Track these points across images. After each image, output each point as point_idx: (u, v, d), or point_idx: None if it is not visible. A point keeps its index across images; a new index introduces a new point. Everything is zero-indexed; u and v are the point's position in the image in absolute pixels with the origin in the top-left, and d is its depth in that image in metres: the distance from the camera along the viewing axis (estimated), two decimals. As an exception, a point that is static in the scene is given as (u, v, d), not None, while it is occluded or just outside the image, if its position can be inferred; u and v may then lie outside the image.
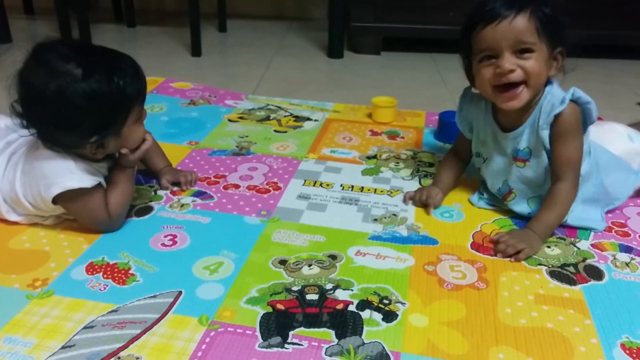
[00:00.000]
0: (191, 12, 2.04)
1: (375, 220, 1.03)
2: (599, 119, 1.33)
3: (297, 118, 1.50)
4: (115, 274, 0.85)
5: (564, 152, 0.95)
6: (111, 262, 0.88)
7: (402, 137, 1.41)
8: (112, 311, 0.77)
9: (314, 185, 1.14)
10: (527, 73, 0.90)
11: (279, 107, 1.58)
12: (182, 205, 1.04)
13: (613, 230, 1.01)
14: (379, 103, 1.49)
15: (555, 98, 0.94)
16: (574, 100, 0.93)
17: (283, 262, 0.89)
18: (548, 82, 0.96)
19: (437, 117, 1.42)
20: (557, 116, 0.93)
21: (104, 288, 0.82)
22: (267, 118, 1.50)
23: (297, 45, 2.37)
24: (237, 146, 1.31)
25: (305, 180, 1.16)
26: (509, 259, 0.91)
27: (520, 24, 0.88)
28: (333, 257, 0.91)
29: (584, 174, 0.98)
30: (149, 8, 2.95)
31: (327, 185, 1.15)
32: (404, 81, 1.92)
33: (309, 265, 0.88)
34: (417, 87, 1.85)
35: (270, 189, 1.12)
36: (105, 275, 0.84)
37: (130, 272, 0.85)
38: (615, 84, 1.90)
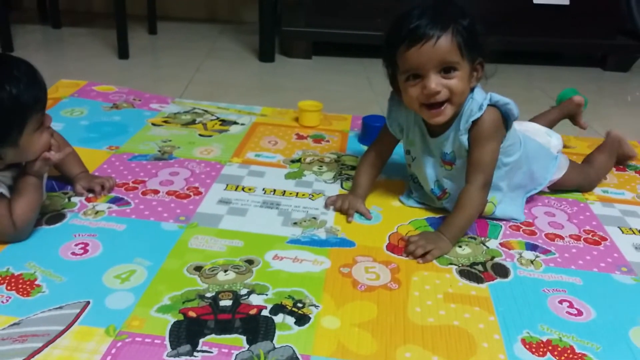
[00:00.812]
0: (117, 13, 1.99)
1: (295, 223, 1.03)
2: None
3: (224, 122, 1.49)
4: (20, 285, 0.81)
5: (476, 155, 0.99)
6: (16, 273, 0.84)
7: (327, 141, 1.43)
8: (14, 324, 0.74)
9: (235, 190, 1.14)
10: (451, 92, 0.94)
11: (205, 110, 1.57)
12: (97, 212, 1.01)
13: (521, 229, 1.06)
14: (305, 107, 1.51)
15: (475, 104, 0.97)
16: (492, 104, 0.97)
17: (198, 269, 0.88)
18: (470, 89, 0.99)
19: (361, 121, 1.44)
20: (474, 122, 0.97)
21: (7, 300, 0.78)
22: (193, 122, 1.48)
23: (228, 48, 2.36)
24: (159, 151, 1.29)
25: (227, 185, 1.16)
26: (418, 259, 0.94)
27: (444, 44, 0.90)
28: (250, 261, 0.91)
29: (515, 163, 1.04)
30: (76, 9, 2.85)
31: (249, 189, 1.15)
32: (333, 85, 1.95)
33: (225, 271, 0.88)
34: (345, 91, 1.88)
35: (191, 194, 1.11)
36: (8, 287, 0.81)
37: (36, 282, 0.82)
38: (533, 90, 2.00)
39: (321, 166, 1.28)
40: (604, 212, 1.14)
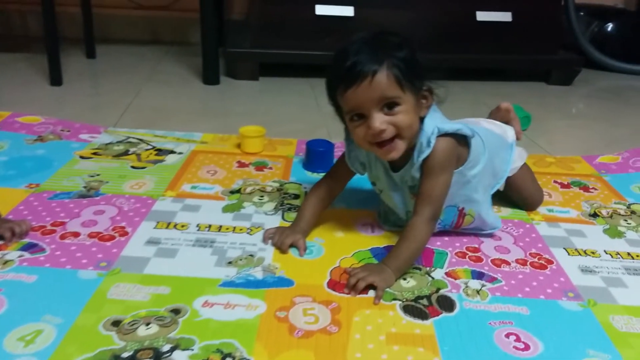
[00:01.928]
0: (48, 35, 1.89)
1: (230, 263, 0.96)
2: None
3: (160, 151, 1.41)
4: None
5: (426, 187, 0.95)
6: None
7: (270, 168, 1.37)
8: None
9: (167, 228, 1.06)
10: (397, 128, 0.89)
11: (140, 139, 1.48)
12: (5, 263, 0.92)
13: (467, 256, 1.02)
14: (247, 133, 1.44)
15: (424, 138, 0.93)
16: (442, 135, 0.93)
17: (116, 323, 0.80)
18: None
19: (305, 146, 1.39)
20: (430, 155, 0.92)
21: None
22: (126, 153, 1.40)
23: (171, 71, 2.28)
24: (84, 187, 1.20)
25: (157, 223, 1.08)
26: (362, 294, 0.89)
27: (381, 81, 0.86)
28: (176, 311, 0.83)
29: (482, 169, 1.01)
30: (11, 33, 2.72)
31: (182, 226, 1.07)
32: (280, 107, 1.89)
33: (147, 324, 0.80)
34: (293, 113, 1.83)
35: (116, 235, 1.03)
36: None
37: None
38: (481, 106, 1.99)
39: (262, 196, 1.21)
40: (549, 233, 1.12)
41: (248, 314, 0.84)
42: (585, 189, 1.32)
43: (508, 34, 2.18)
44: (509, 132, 1.15)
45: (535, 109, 1.79)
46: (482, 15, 2.14)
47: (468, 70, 2.36)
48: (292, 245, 1.01)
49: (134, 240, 1.01)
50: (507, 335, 0.82)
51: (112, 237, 1.02)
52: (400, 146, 0.91)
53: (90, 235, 1.02)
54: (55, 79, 1.95)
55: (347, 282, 0.90)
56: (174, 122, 1.67)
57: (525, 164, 1.17)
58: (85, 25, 2.33)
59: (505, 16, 2.15)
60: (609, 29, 2.55)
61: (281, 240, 1.01)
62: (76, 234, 1.02)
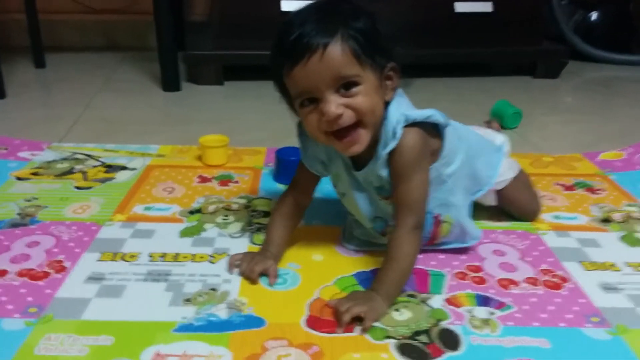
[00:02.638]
0: (-14, 45, 1.70)
1: (188, 300, 0.80)
2: None
3: (109, 168, 1.24)
4: None
5: (401, 192, 0.80)
6: None
7: (237, 182, 1.20)
8: None
9: (113, 259, 0.89)
10: (357, 112, 0.74)
11: (88, 155, 1.31)
12: None
13: (468, 277, 0.88)
14: (208, 143, 1.28)
15: (389, 127, 0.78)
16: (410, 124, 0.78)
17: (40, 392, 0.63)
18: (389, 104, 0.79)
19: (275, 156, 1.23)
20: (397, 149, 0.78)
21: None
22: (70, 171, 1.22)
23: (128, 79, 2.09)
24: (19, 214, 1.02)
25: (102, 254, 0.91)
26: (351, 327, 0.74)
27: (334, 56, 0.71)
28: (118, 369, 0.67)
29: (459, 169, 0.86)
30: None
31: (132, 256, 0.90)
32: (248, 113, 1.73)
33: (79, 390, 0.63)
34: (261, 119, 1.66)
35: (51, 271, 0.85)
36: None
37: None
38: (465, 103, 1.86)
39: (226, 216, 1.05)
40: (559, 244, 0.97)
41: (209, 368, 0.67)
42: (591, 190, 1.19)
43: (489, 26, 2.05)
44: (498, 136, 1.02)
45: (523, 104, 1.66)
46: (461, 6, 2.01)
47: (449, 66, 2.23)
48: (262, 274, 0.85)
49: (72, 277, 0.84)
50: (528, 377, 0.67)
51: (46, 275, 0.84)
52: (364, 136, 0.76)
53: (20, 274, 0.84)
54: (-3, 91, 1.75)
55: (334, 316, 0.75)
56: (128, 134, 1.50)
57: (520, 174, 1.02)
58: (31, 33, 2.13)
59: (486, 6, 2.02)
60: (593, 17, 2.44)
61: (250, 268, 0.84)
62: (2, 273, 0.84)
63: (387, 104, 0.79)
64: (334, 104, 0.72)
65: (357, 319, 0.75)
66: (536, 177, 1.19)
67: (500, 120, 1.59)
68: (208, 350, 0.70)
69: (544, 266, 0.91)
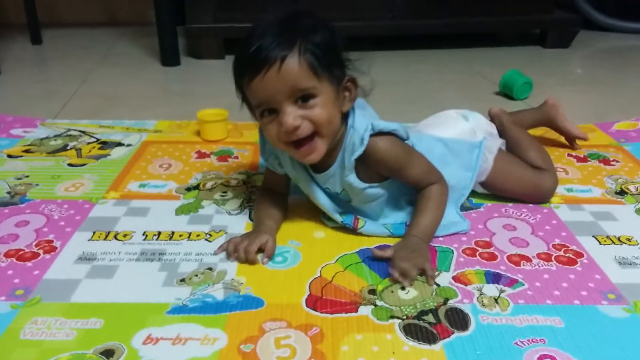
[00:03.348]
0: (-22, 21, 1.65)
1: (183, 281, 0.76)
2: None
3: (104, 144, 1.20)
4: None
5: (407, 179, 0.85)
6: None
7: (236, 157, 1.16)
8: None
9: (105, 239, 0.86)
10: (314, 124, 0.76)
11: (83, 132, 1.26)
12: None
13: (477, 253, 0.83)
14: (206, 117, 1.23)
15: (356, 136, 0.80)
16: (376, 134, 0.80)
17: (25, 378, 0.60)
18: (348, 114, 0.82)
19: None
20: (376, 159, 0.80)
21: None
22: (64, 148, 1.18)
23: (126, 53, 2.04)
24: (8, 192, 0.99)
25: (94, 233, 0.87)
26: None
27: (291, 69, 0.73)
28: (108, 353, 0.63)
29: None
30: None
31: (125, 235, 0.87)
32: (249, 87, 1.68)
33: (66, 376, 0.60)
34: (262, 93, 1.61)
35: (40, 252, 0.82)
36: None
37: None
38: (473, 74, 1.80)
39: (225, 192, 1.01)
40: (573, 218, 0.93)
41: (203, 351, 0.64)
42: (606, 161, 1.13)
43: (498, -6, 1.97)
44: (470, 125, 0.96)
45: (534, 75, 1.60)
46: (469, -27, 1.94)
47: (456, 36, 2.16)
48: (259, 251, 0.81)
49: (62, 257, 0.81)
50: (541, 358, 0.63)
51: (35, 255, 0.81)
52: (320, 146, 0.78)
53: (7, 254, 0.81)
54: (-9, 68, 1.71)
55: (396, 272, 0.76)
56: (125, 110, 1.45)
57: (500, 155, 0.95)
58: (27, 8, 2.07)
59: (495, -27, 1.94)
60: (605, -16, 2.35)
61: (244, 248, 0.80)
62: (-12, 254, 0.81)
63: (345, 115, 0.81)
64: (292, 116, 0.74)
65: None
66: (549, 149, 1.13)
67: (510, 91, 1.53)
68: (203, 332, 0.67)
69: (557, 241, 0.87)
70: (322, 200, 0.87)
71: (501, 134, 1.03)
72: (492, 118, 1.07)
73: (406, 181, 0.85)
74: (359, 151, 0.79)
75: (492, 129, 1.00)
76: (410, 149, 0.85)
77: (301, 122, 0.75)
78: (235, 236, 0.84)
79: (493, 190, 0.96)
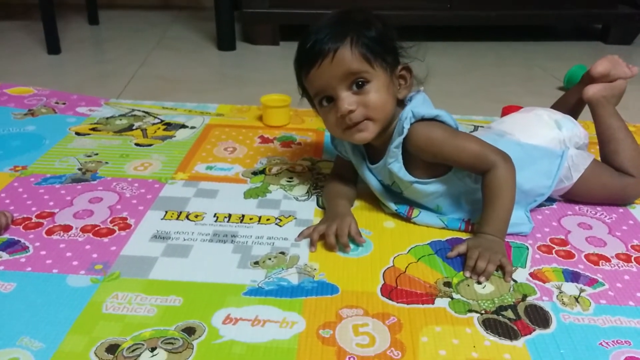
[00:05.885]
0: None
1: (256, 263, 0.77)
2: (517, 107, 1.15)
3: (169, 126, 1.21)
4: None
5: (463, 159, 0.81)
6: None
7: (299, 144, 1.16)
8: None
9: (177, 218, 0.87)
10: (368, 108, 0.79)
11: (147, 112, 1.28)
12: (-25, 268, 0.73)
13: (553, 251, 0.81)
14: (269, 102, 1.23)
15: (400, 124, 0.81)
16: (419, 120, 0.80)
17: (113, 349, 0.61)
18: (404, 103, 0.83)
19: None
20: (416, 145, 0.80)
21: None
22: (129, 128, 1.20)
23: (182, 37, 2.06)
24: (79, 169, 1.01)
25: (166, 212, 0.88)
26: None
27: (343, 57, 0.77)
28: (190, 330, 0.64)
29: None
30: (9, 1, 2.51)
31: (196, 216, 0.88)
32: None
33: (152, 350, 0.61)
34: (319, 81, 1.61)
35: (116, 228, 0.83)
36: None
37: None
38: (534, 68, 1.75)
39: (291, 178, 1.01)
40: (650, 219, 0.90)
41: (283, 334, 0.64)
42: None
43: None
44: (561, 134, 0.91)
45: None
46: (531, -35, 1.88)
47: (514, 29, 2.10)
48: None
49: (137, 234, 0.82)
50: (628, 362, 0.61)
51: (111, 232, 0.82)
52: (371, 127, 0.81)
53: (84, 230, 0.83)
54: (53, 47, 1.74)
55: (473, 268, 0.75)
56: (185, 93, 1.47)
57: (593, 164, 0.91)
58: (86, -11, 2.11)
59: (558, -35, 1.88)
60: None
61: (341, 230, 0.80)
62: (67, 228, 0.83)
63: (401, 102, 0.83)
64: (347, 101, 0.78)
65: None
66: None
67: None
68: (281, 315, 0.67)
69: (635, 242, 0.84)
70: (378, 188, 0.89)
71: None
72: (587, 101, 0.99)
73: (460, 166, 0.83)
74: (399, 139, 0.81)
75: (586, 139, 0.94)
76: (454, 132, 0.82)
77: (356, 107, 0.78)
78: (312, 225, 0.84)
79: (569, 197, 0.94)
